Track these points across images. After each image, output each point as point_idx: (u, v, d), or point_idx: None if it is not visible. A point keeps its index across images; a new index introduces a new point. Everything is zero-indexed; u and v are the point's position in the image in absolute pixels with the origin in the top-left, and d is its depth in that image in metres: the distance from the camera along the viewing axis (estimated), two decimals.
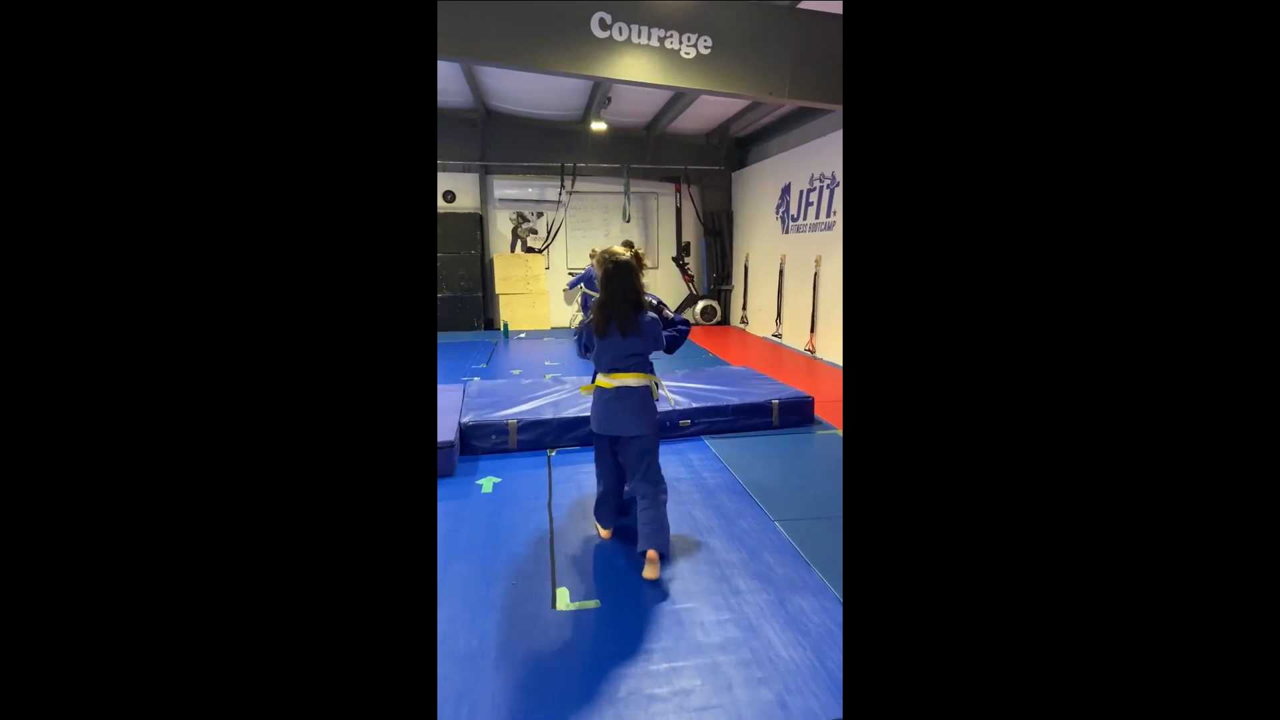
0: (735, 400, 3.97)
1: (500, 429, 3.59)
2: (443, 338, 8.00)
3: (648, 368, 2.37)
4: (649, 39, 4.36)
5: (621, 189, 8.80)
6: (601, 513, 2.55)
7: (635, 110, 7.72)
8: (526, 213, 8.89)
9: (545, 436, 3.65)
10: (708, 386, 4.32)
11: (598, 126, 7.84)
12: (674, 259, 9.28)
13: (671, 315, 2.44)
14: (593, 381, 2.42)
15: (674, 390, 4.22)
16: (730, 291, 9.32)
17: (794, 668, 1.79)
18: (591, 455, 2.65)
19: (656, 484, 2.36)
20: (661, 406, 2.68)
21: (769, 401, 3.97)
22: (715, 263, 9.34)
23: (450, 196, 8.57)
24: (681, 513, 2.81)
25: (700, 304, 9.21)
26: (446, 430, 3.33)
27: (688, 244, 9.33)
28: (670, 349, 2.40)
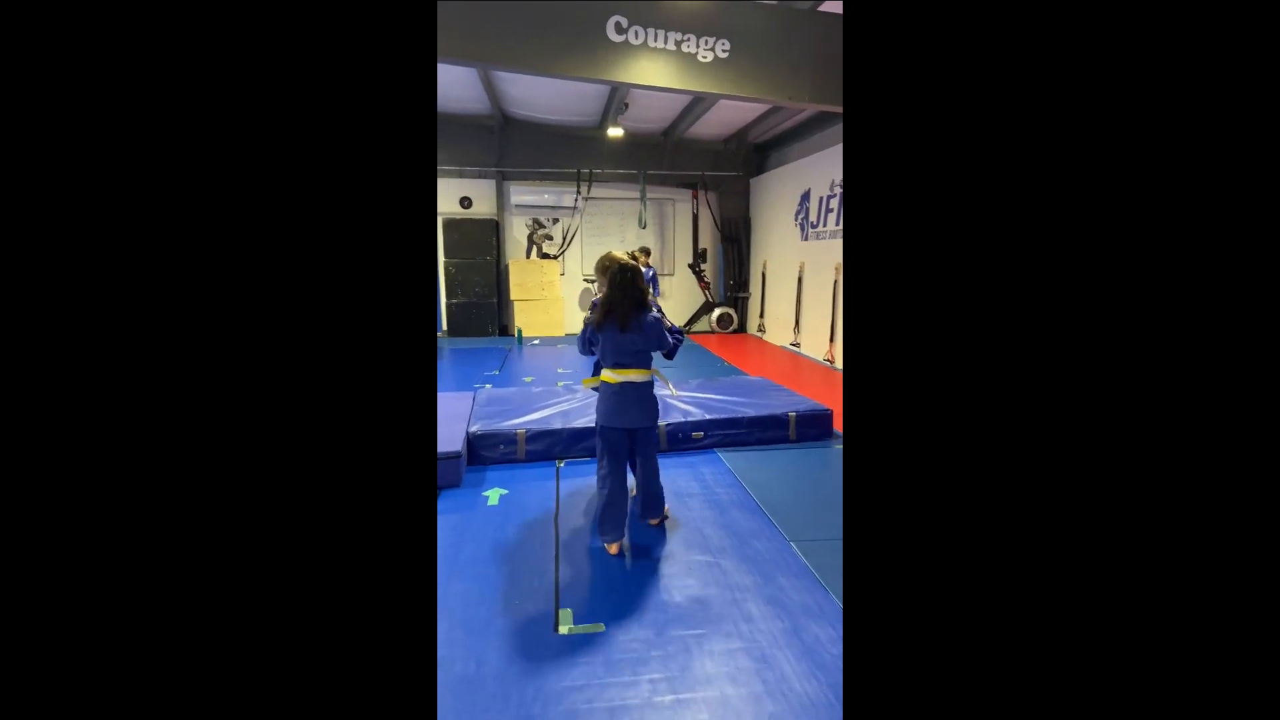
0: (750, 412, 3.86)
1: (509, 439, 3.52)
2: (457, 343, 7.99)
3: (649, 363, 2.51)
4: (665, 42, 4.29)
5: (638, 195, 8.74)
6: (608, 523, 2.46)
7: (652, 116, 7.66)
8: (543, 219, 8.87)
9: (554, 447, 3.56)
10: (722, 397, 4.21)
11: (614, 132, 7.79)
12: (690, 266, 9.19)
13: (670, 325, 2.61)
14: (593, 375, 2.56)
15: (687, 400, 4.12)
16: (747, 299, 9.20)
17: (809, 703, 1.67)
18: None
19: (655, 459, 2.63)
20: (659, 389, 2.81)
21: (786, 414, 3.85)
22: (732, 270, 9.24)
23: (467, 202, 8.58)
24: (691, 530, 2.70)
25: (716, 311, 9.10)
26: (454, 440, 3.26)
27: (704, 251, 9.24)
28: (670, 355, 2.57)
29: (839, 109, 4.85)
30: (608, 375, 2.47)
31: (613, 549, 2.47)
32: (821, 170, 6.92)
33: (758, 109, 7.24)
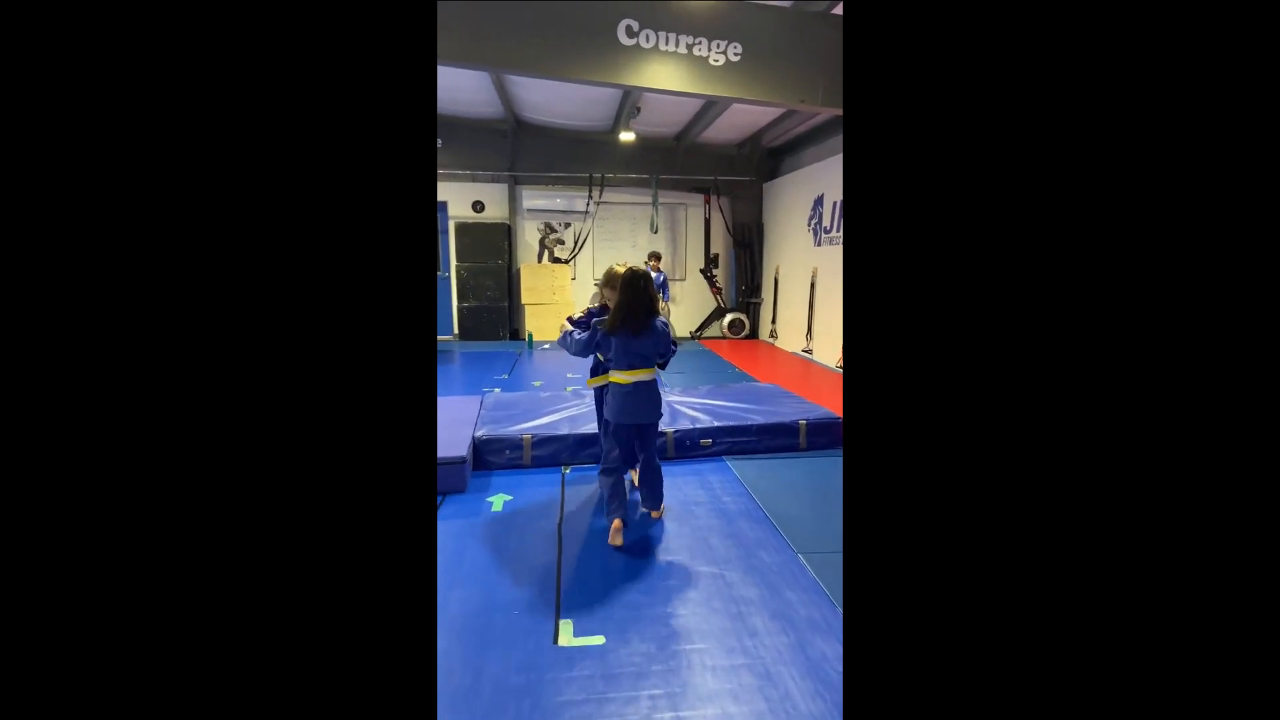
0: (760, 419, 3.80)
1: (515, 444, 3.49)
2: (467, 347, 8.01)
3: (654, 363, 2.69)
4: (677, 46, 4.27)
5: (650, 200, 8.72)
6: (614, 503, 2.66)
7: (665, 120, 7.64)
8: (554, 223, 8.88)
9: (561, 453, 3.53)
10: (731, 404, 4.15)
11: (626, 137, 7.78)
12: (702, 271, 9.14)
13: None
14: (594, 375, 2.79)
15: (696, 407, 4.08)
16: (759, 305, 9.14)
17: None
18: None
19: (656, 453, 2.79)
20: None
21: (796, 422, 3.78)
22: (744, 275, 9.18)
23: (479, 206, 8.61)
24: (697, 540, 2.65)
25: (728, 317, 9.05)
26: (459, 444, 3.25)
27: (716, 256, 9.19)
28: (664, 365, 2.75)
29: None
30: (617, 376, 2.62)
31: (617, 523, 2.63)
32: (835, 175, 6.85)
33: (771, 113, 7.20)
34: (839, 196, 6.78)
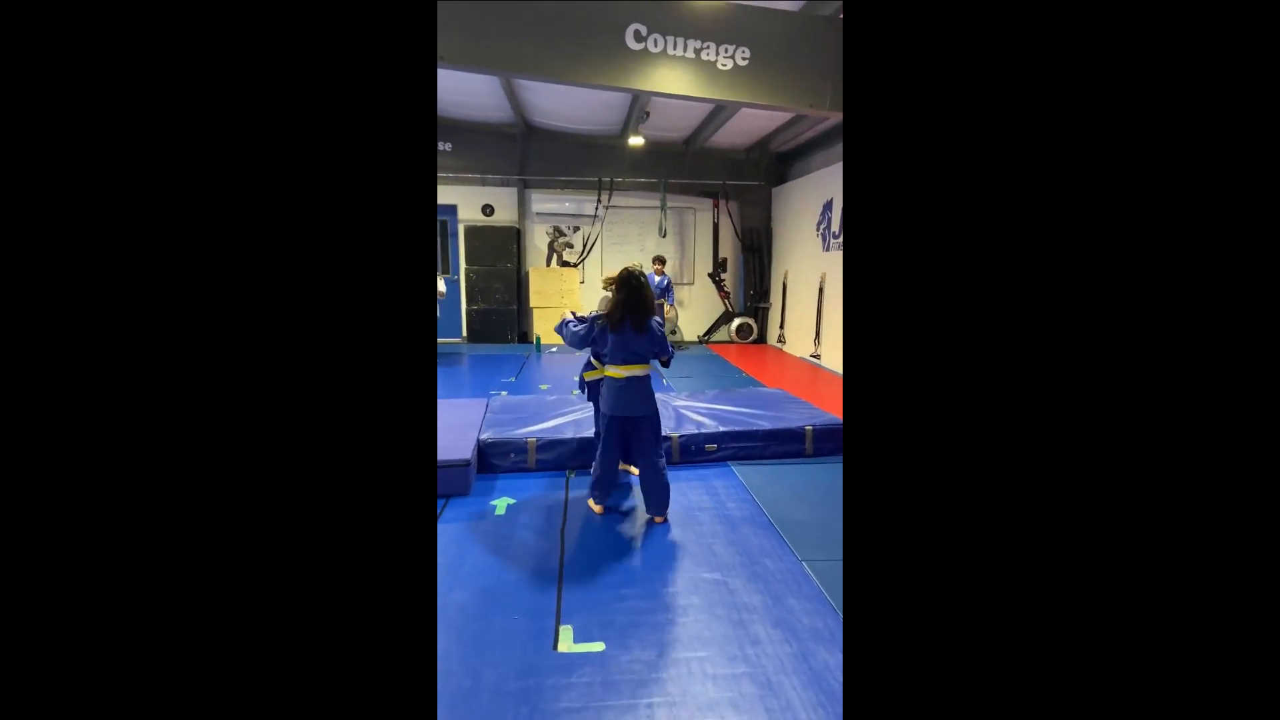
0: (766, 425, 3.77)
1: (519, 447, 3.49)
2: (475, 350, 8.03)
3: (648, 360, 2.82)
4: (684, 50, 4.26)
5: (659, 204, 8.72)
6: (600, 491, 2.93)
7: (674, 124, 7.64)
8: (563, 226, 8.89)
9: (565, 457, 3.52)
10: (737, 409, 4.13)
11: (635, 141, 7.79)
12: (710, 275, 9.12)
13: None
14: (589, 369, 2.95)
15: (702, 412, 4.06)
16: (767, 310, 9.10)
17: None
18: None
19: (659, 454, 2.84)
20: None
21: (802, 428, 3.75)
22: (753, 280, 9.14)
23: (489, 210, 8.65)
24: (700, 546, 2.63)
25: (736, 321, 9.01)
26: (464, 447, 3.25)
27: (724, 260, 9.16)
28: (667, 363, 2.90)
29: None
30: (612, 370, 2.77)
31: (599, 509, 2.92)
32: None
33: (779, 118, 7.18)
34: None
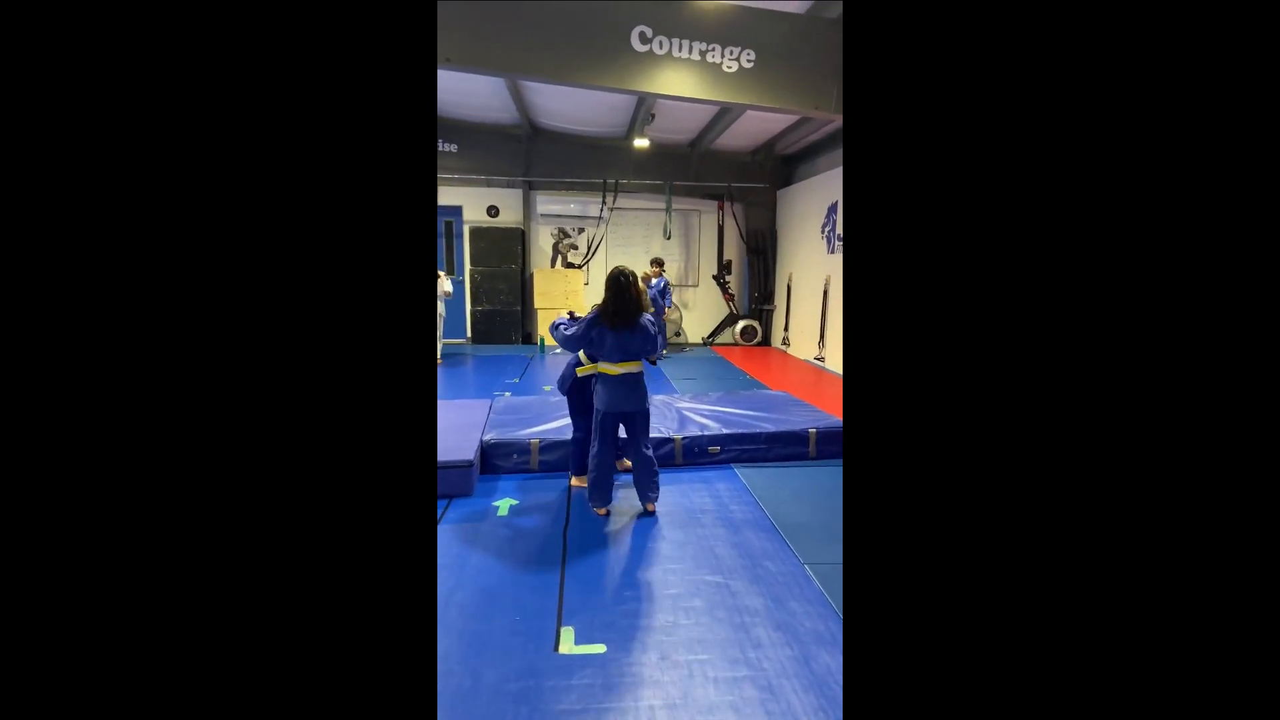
0: (770, 427, 3.76)
1: (522, 448, 3.49)
2: (479, 350, 8.04)
3: (640, 356, 2.87)
4: (690, 52, 4.27)
5: (663, 206, 8.72)
6: (599, 492, 2.92)
7: (679, 127, 7.64)
8: (568, 228, 8.90)
9: (568, 458, 3.52)
10: (741, 411, 4.12)
11: (641, 143, 7.79)
12: (715, 277, 9.11)
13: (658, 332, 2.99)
14: (581, 364, 2.93)
15: (705, 414, 4.05)
16: (772, 312, 9.08)
17: None
18: None
19: (649, 444, 2.92)
20: None
21: (806, 430, 3.74)
22: (757, 282, 9.13)
23: (494, 211, 8.67)
24: (702, 548, 2.62)
25: (740, 324, 9.00)
26: (468, 449, 3.25)
27: (729, 262, 9.15)
28: (654, 360, 3.01)
29: None
30: (607, 367, 2.82)
31: (603, 512, 2.91)
32: None
33: (785, 120, 7.17)
34: None
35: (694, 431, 3.69)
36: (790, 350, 8.45)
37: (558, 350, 8.13)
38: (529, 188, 8.69)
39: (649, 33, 4.19)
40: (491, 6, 4.00)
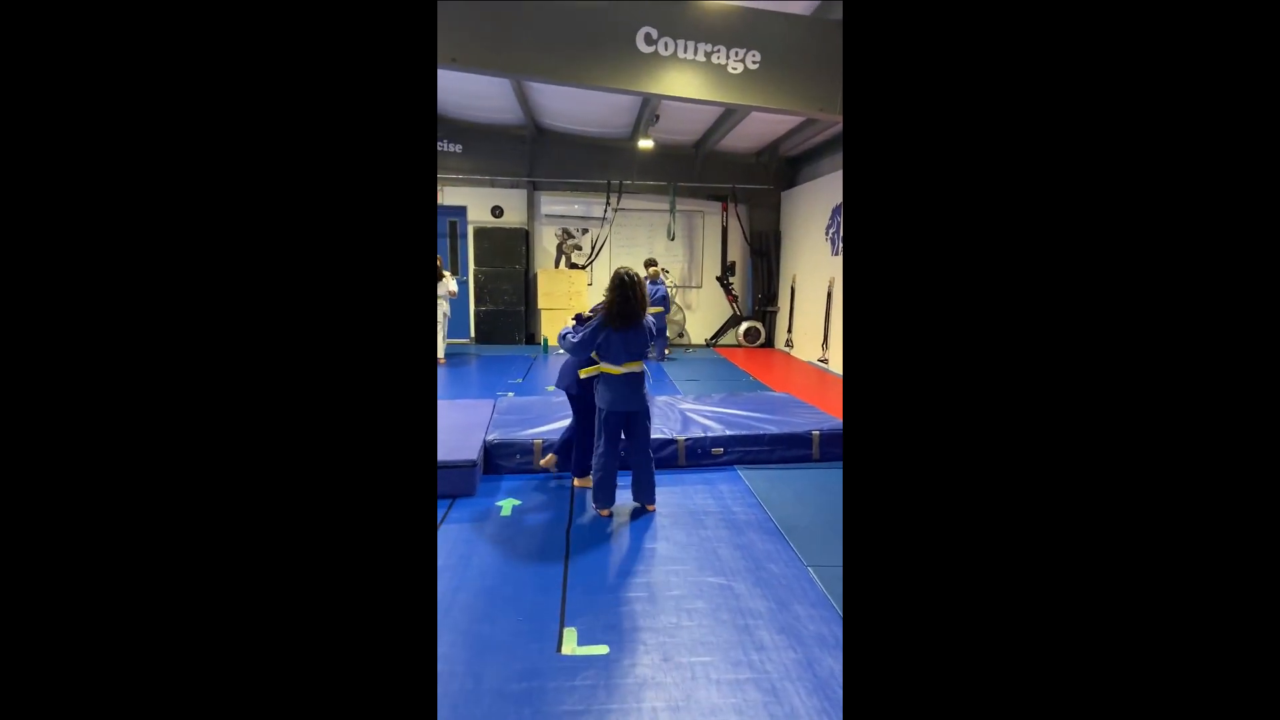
0: (773, 429, 3.76)
1: (525, 448, 3.49)
2: (483, 351, 8.05)
3: (643, 357, 2.90)
4: (695, 54, 4.27)
5: (667, 207, 8.72)
6: (603, 494, 2.93)
7: (683, 128, 7.64)
8: (572, 229, 8.91)
9: (569, 459, 3.51)
10: (744, 413, 4.11)
11: (645, 144, 7.80)
12: (718, 279, 9.10)
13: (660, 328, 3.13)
14: (584, 366, 2.95)
15: (708, 415, 4.05)
16: (775, 313, 9.07)
17: None
18: None
19: (650, 446, 2.98)
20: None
21: (809, 432, 3.73)
22: (761, 283, 9.12)
23: (498, 211, 8.68)
24: (705, 550, 2.62)
25: (743, 325, 8.99)
26: (471, 449, 3.25)
27: (733, 264, 9.15)
28: (660, 357, 3.14)
29: None
30: (609, 368, 2.85)
31: (605, 513, 2.92)
32: None
33: (789, 122, 7.16)
34: None
35: (697, 433, 3.68)
36: (794, 352, 8.44)
37: (561, 351, 8.14)
38: (533, 188, 8.70)
39: (654, 33, 4.19)
40: (497, 7, 4.00)
